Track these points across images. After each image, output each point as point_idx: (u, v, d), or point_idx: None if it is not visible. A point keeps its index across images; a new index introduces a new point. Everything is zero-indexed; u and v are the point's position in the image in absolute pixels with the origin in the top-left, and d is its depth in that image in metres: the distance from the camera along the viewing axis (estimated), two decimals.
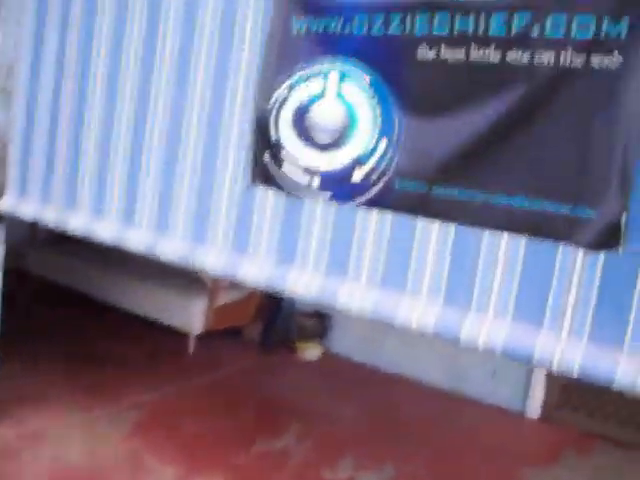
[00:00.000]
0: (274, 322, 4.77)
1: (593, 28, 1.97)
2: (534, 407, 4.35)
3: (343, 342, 5.01)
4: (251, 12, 2.65)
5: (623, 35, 1.94)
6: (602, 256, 2.01)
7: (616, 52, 1.95)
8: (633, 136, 1.94)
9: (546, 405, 4.33)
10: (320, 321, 4.94)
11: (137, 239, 2.99)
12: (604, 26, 1.96)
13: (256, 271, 2.63)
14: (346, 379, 4.71)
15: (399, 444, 3.85)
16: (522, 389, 4.44)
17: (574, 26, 2.00)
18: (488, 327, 2.17)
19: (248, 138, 2.66)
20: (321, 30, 2.47)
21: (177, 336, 4.76)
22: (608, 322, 2.01)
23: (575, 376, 2.04)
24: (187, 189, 2.83)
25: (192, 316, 4.68)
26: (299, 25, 2.52)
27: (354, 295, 2.42)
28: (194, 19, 2.79)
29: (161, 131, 2.91)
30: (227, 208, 2.73)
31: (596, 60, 1.98)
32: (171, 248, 2.88)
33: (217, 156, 2.74)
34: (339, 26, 2.42)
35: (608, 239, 1.99)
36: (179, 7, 2.84)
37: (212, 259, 2.75)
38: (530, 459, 3.89)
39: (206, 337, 4.72)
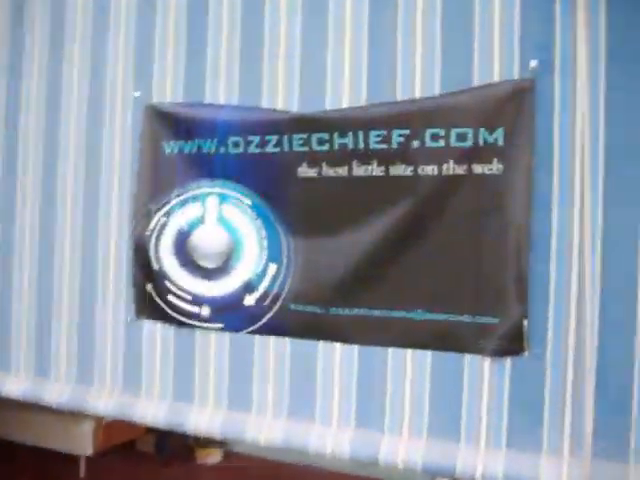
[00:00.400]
0: (168, 430, 4.49)
1: (471, 138, 2.02)
2: None
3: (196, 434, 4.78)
4: (118, 136, 2.54)
5: (500, 142, 2.00)
6: (509, 362, 2.04)
7: (495, 160, 2.01)
8: (522, 241, 1.98)
9: None
10: None
11: (13, 385, 2.73)
12: (481, 135, 2.01)
13: (153, 411, 2.45)
14: (249, 478, 4.52)
15: None
16: None
17: (453, 137, 2.03)
18: (405, 446, 2.11)
19: (126, 268, 2.51)
20: (194, 151, 2.37)
21: (67, 460, 4.40)
22: (524, 426, 2.03)
23: None
24: (66, 328, 2.62)
25: (81, 437, 4.35)
26: (170, 147, 2.42)
27: (261, 428, 2.29)
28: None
29: (31, 263, 2.70)
30: (113, 346, 2.53)
31: (478, 168, 2.02)
32: (54, 393, 2.64)
33: (96, 291, 2.56)
34: (213, 147, 2.34)
35: (512, 345, 2.01)
36: (39, 129, 2.69)
37: (102, 402, 2.54)
38: None
39: (98, 456, 4.39)
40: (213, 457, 4.63)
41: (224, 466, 4.68)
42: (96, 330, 2.56)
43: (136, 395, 2.48)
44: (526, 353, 1.99)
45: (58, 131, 2.65)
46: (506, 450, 2.02)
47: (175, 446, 4.63)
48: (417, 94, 2.11)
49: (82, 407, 2.58)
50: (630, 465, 1.90)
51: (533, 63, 1.97)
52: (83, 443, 4.30)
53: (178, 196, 2.41)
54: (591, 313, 1.92)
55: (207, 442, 4.60)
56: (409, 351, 2.13)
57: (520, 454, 2.01)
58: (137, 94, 2.48)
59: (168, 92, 2.46)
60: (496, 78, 2.03)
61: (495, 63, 2.03)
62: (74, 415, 4.37)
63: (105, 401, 2.53)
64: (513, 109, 1.98)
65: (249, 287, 2.31)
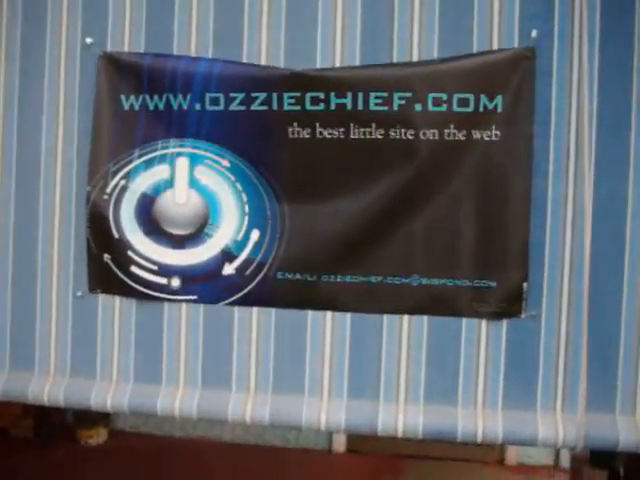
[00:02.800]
0: (46, 412, 4.12)
1: (472, 103, 2.02)
2: (339, 441, 4.42)
3: (130, 417, 4.51)
4: (62, 86, 2.23)
5: (499, 109, 2.01)
6: (505, 325, 2.09)
7: (493, 127, 2.02)
8: (523, 208, 2.02)
9: (350, 436, 4.42)
10: None
11: None
12: (482, 102, 2.01)
13: (112, 395, 2.21)
14: (139, 456, 4.26)
15: None
16: None
17: (454, 102, 2.02)
18: (403, 413, 2.09)
19: (77, 238, 2.23)
20: (162, 107, 2.15)
21: None
22: (519, 386, 2.09)
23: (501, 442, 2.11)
24: None
25: None
26: (130, 102, 2.17)
27: (245, 405, 2.16)
28: None
29: None
30: (58, 325, 2.25)
31: (477, 134, 2.03)
32: None
33: (35, 263, 2.25)
34: (185, 103, 2.13)
35: (511, 308, 2.06)
36: None
37: (45, 389, 2.25)
38: None
39: None
40: (98, 437, 4.32)
41: (109, 446, 4.39)
42: (36, 308, 2.25)
43: (91, 378, 2.23)
44: (522, 315, 2.07)
45: None
46: (502, 410, 2.08)
47: (56, 428, 4.26)
48: (414, 58, 2.07)
49: (21, 396, 2.26)
50: (617, 415, 2.05)
51: (534, 33, 2.01)
52: None
53: (141, 157, 2.17)
54: (581, 276, 2.02)
55: (91, 422, 4.30)
56: (405, 317, 2.11)
57: (516, 413, 2.08)
58: (89, 40, 2.20)
59: (126, 41, 2.20)
60: (495, 46, 2.04)
61: (495, 31, 2.04)
62: None
63: (49, 387, 2.25)
64: (513, 77, 2.01)
65: (228, 255, 2.15)
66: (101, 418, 4.32)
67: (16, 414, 4.13)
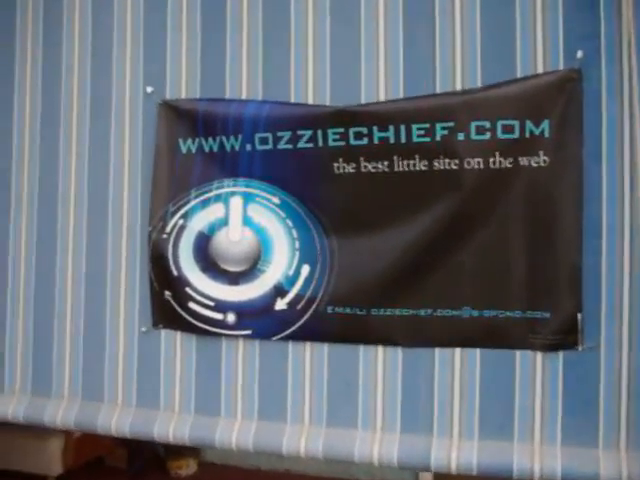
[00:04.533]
0: (139, 444, 4.30)
1: (517, 129, 1.98)
2: (426, 477, 4.32)
3: (218, 449, 4.61)
4: (127, 134, 2.38)
5: (546, 134, 1.97)
6: (561, 357, 2.01)
7: (541, 152, 1.97)
8: (575, 234, 1.96)
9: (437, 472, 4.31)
10: None
11: (6, 407, 2.50)
12: (527, 127, 1.97)
13: (174, 427, 2.28)
14: None
15: None
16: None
17: (499, 129, 1.98)
18: (457, 448, 2.04)
19: (142, 276, 2.35)
20: (216, 149, 2.24)
21: None
22: (579, 421, 2.00)
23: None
24: (70, 342, 2.42)
25: (49, 456, 4.08)
26: (187, 146, 2.28)
27: (298, 438, 2.18)
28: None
29: (27, 270, 2.49)
30: (125, 359, 2.36)
31: (524, 161, 1.98)
32: (56, 412, 2.43)
33: (104, 300, 2.38)
34: (237, 144, 2.21)
35: (566, 339, 1.98)
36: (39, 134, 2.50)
37: (115, 419, 2.36)
38: None
39: (67, 476, 4.13)
40: (187, 469, 4.45)
41: (198, 477, 4.50)
42: (106, 343, 2.38)
43: (155, 410, 2.32)
44: (580, 347, 1.98)
45: (58, 131, 2.46)
46: (561, 447, 2.00)
47: (147, 459, 4.43)
48: (458, 86, 2.07)
49: (91, 426, 2.39)
50: None
51: (579, 53, 1.95)
52: (52, 462, 4.06)
53: (197, 197, 2.27)
54: None
55: (180, 453, 4.42)
56: (457, 350, 2.07)
57: (576, 450, 1.98)
58: (150, 90, 2.34)
59: (183, 88, 2.32)
60: (540, 70, 2.01)
61: (539, 54, 2.00)
62: (42, 432, 4.13)
63: (117, 419, 2.36)
64: (560, 100, 1.96)
65: (280, 290, 2.19)
66: (191, 450, 4.44)
67: (111, 444, 4.32)
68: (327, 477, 4.34)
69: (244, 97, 2.25)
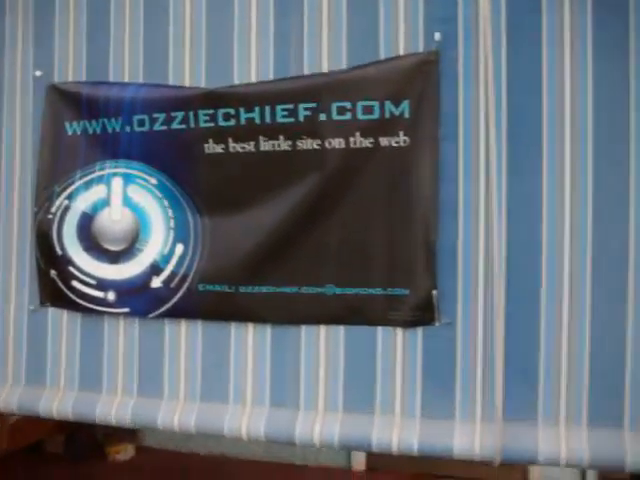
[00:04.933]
0: (78, 429, 4.36)
1: (378, 110, 2.02)
2: (358, 459, 4.40)
3: (156, 433, 4.69)
4: (18, 118, 2.42)
5: (406, 115, 2.01)
6: (420, 333, 2.06)
7: (401, 132, 2.02)
8: (430, 213, 2.01)
9: (369, 454, 4.39)
10: None
11: None
12: (387, 108, 2.02)
13: (58, 403, 2.34)
14: (164, 472, 4.41)
15: None
16: None
17: (359, 110, 2.03)
18: (321, 423, 2.10)
19: (30, 256, 2.40)
20: (99, 131, 2.28)
21: None
22: (436, 395, 2.05)
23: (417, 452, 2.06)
24: None
25: None
26: (73, 128, 2.32)
27: (174, 413, 2.23)
28: None
29: None
30: (15, 337, 2.41)
31: (384, 141, 2.03)
32: None
33: None
34: (118, 126, 2.25)
35: (423, 316, 2.03)
36: None
37: (4, 396, 2.42)
38: None
39: (3, 460, 4.18)
40: (125, 453, 4.51)
41: (136, 462, 4.57)
42: None
43: (41, 387, 2.38)
44: (437, 323, 2.03)
45: None
46: (420, 419, 2.04)
47: (85, 444, 4.48)
48: (324, 68, 2.11)
49: None
50: (539, 426, 1.96)
51: (437, 36, 1.99)
52: None
53: (82, 178, 2.31)
54: (498, 282, 1.96)
55: (118, 438, 4.49)
56: (322, 327, 2.12)
57: (434, 422, 2.03)
58: (38, 73, 2.38)
59: (70, 71, 2.36)
60: (402, 51, 2.05)
61: (400, 36, 2.05)
62: None
63: (6, 396, 2.41)
64: (419, 81, 2.00)
65: (156, 269, 2.24)
66: (129, 435, 4.51)
67: (49, 429, 4.37)
68: (261, 461, 4.42)
69: (126, 80, 2.30)
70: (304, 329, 2.13)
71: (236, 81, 2.18)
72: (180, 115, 2.17)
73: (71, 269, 2.32)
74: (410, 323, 2.04)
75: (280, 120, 2.09)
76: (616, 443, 1.91)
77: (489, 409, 1.99)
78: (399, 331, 2.06)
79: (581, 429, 1.94)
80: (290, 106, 2.08)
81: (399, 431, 2.04)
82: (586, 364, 1.95)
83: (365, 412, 2.08)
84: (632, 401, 1.92)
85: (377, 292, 2.06)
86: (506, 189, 1.97)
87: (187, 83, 2.23)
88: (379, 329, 2.07)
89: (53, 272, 2.35)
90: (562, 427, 1.95)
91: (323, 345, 2.12)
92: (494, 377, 1.97)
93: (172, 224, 2.23)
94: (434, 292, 2.00)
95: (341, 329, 2.11)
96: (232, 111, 2.12)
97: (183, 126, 2.18)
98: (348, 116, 2.04)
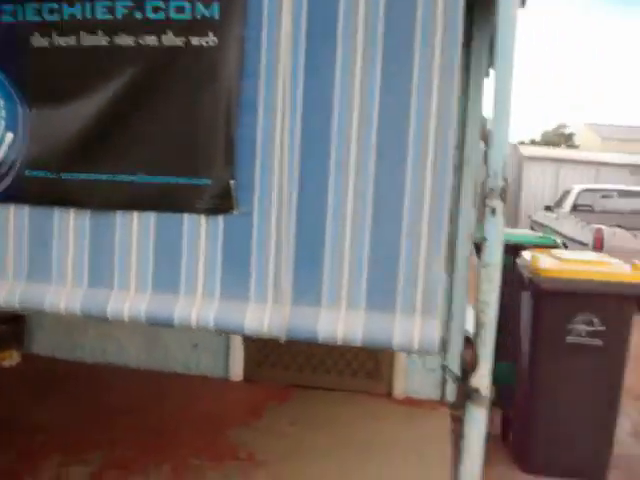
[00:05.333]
0: None
1: (189, 11, 2.16)
2: (236, 371, 4.64)
3: (44, 341, 4.87)
4: None
5: (216, 17, 2.16)
6: (221, 221, 2.24)
7: (211, 33, 2.16)
8: (232, 108, 2.17)
9: (247, 366, 4.64)
10: (15, 325, 4.74)
11: None
12: (198, 9, 2.16)
13: None
14: (49, 378, 4.57)
15: (110, 430, 3.86)
16: (223, 355, 4.69)
17: (172, 9, 2.17)
18: (131, 301, 2.29)
19: None
20: None
21: None
22: (234, 279, 2.25)
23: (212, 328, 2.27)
24: None
25: None
26: None
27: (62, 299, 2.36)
28: None
29: None
30: None
31: (195, 40, 2.17)
32: None
33: None
34: None
35: (223, 204, 2.21)
36: None
37: None
38: (239, 418, 4.14)
39: None
40: (11, 359, 4.67)
41: (22, 369, 4.74)
42: None
43: None
44: (235, 212, 2.21)
45: None
46: (219, 299, 2.24)
47: None
48: None
49: None
50: (322, 309, 2.18)
51: None
52: None
53: None
54: (291, 175, 2.15)
55: (4, 345, 4.63)
56: (135, 213, 2.29)
57: (231, 303, 2.23)
58: None
59: None
60: None
61: None
62: None
63: None
64: None
65: None
66: (14, 342, 4.66)
67: None
68: (145, 369, 4.64)
69: None
70: (119, 214, 2.31)
71: None
72: (9, 8, 2.28)
73: None
74: (211, 211, 2.22)
75: (100, 17, 2.22)
76: (388, 325, 2.15)
77: (279, 293, 2.20)
78: (202, 218, 2.24)
79: (358, 312, 2.16)
80: (109, 3, 2.20)
81: (198, 310, 2.24)
82: (366, 253, 2.16)
83: (170, 292, 2.27)
84: (404, 287, 2.15)
85: (182, 181, 2.23)
86: (303, 86, 2.13)
87: None
88: (185, 216, 2.25)
89: None
90: (342, 310, 2.17)
91: (135, 231, 2.29)
92: (283, 263, 2.18)
93: (3, 114, 2.36)
94: (232, 182, 2.18)
95: (152, 215, 2.28)
96: (56, 6, 2.24)
97: (12, 19, 2.29)
98: (161, 15, 2.18)
